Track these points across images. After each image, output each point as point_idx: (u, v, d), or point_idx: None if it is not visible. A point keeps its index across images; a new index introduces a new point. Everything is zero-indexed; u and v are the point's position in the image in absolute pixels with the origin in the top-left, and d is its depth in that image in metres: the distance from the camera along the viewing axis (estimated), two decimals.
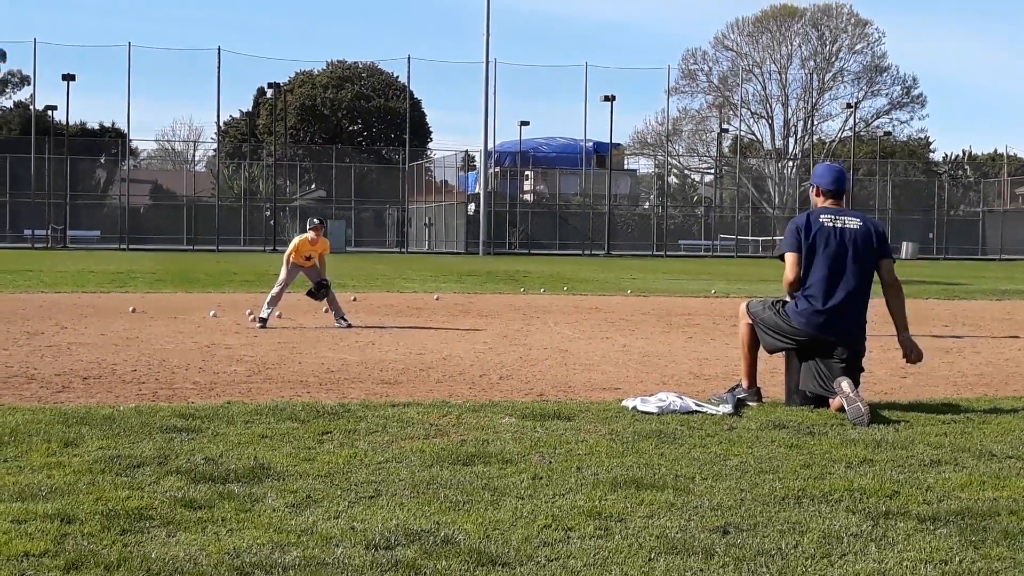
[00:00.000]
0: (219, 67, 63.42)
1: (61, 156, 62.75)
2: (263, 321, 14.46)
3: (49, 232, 60.46)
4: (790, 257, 8.17)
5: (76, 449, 6.21)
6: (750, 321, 8.39)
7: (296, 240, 15.68)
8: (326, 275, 15.45)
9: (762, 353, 8.45)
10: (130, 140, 69.79)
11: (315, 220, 15.68)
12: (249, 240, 65.76)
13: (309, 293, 15.46)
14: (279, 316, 15.45)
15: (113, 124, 75.79)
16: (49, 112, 63.62)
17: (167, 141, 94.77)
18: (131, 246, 59.49)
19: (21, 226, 62.75)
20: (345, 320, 14.79)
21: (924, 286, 27.71)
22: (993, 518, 5.07)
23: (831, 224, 8.12)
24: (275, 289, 15.02)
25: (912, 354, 8.33)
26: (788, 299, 8.27)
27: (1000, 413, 7.99)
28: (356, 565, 4.26)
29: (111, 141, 72.57)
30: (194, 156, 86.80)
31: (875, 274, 8.23)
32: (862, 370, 8.21)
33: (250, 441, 6.50)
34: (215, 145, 72.90)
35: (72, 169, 63.81)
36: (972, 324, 16.68)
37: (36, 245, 57.98)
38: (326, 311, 15.64)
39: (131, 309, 16.89)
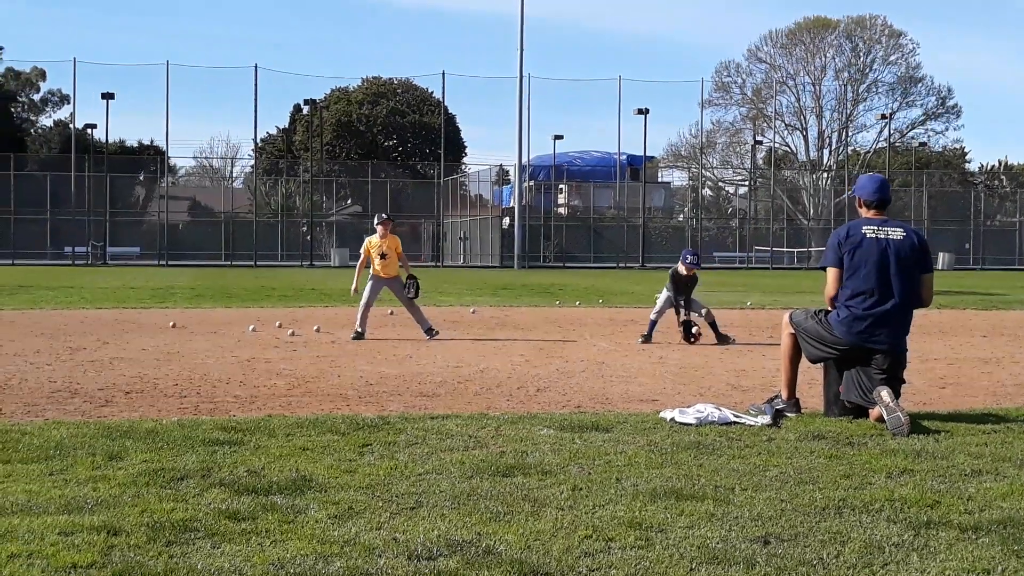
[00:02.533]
0: (256, 84, 63.87)
1: (101, 174, 63.29)
2: (359, 334, 14.73)
3: (89, 249, 60.99)
4: (831, 272, 8.18)
5: (120, 462, 6.28)
6: (793, 331, 8.38)
7: (365, 242, 15.64)
8: (407, 268, 15.40)
9: (801, 364, 8.43)
10: (168, 157, 70.37)
11: (383, 215, 15.68)
12: (286, 256, 66.08)
13: (408, 294, 15.34)
14: (316, 330, 15.56)
15: (152, 141, 76.53)
16: (89, 130, 64.21)
17: (205, 158, 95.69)
18: (170, 262, 59.92)
19: (62, 243, 63.34)
20: (434, 331, 15.03)
21: (961, 296, 27.52)
22: None
23: (873, 235, 8.10)
24: (361, 307, 15.17)
25: None
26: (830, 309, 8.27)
27: None
28: (399, 575, 4.30)
29: (150, 158, 73.15)
30: (231, 172, 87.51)
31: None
32: (903, 381, 8.18)
33: (291, 453, 6.56)
34: (252, 161, 73.34)
35: (111, 186, 64.31)
36: (1010, 334, 16.56)
37: (77, 262, 58.54)
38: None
39: (171, 324, 17.03)
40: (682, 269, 14.92)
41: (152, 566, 4.38)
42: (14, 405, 8.67)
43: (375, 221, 15.59)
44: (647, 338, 14.85)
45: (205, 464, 6.23)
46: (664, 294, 15.22)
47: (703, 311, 14.92)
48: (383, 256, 15.34)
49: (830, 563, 4.52)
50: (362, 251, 15.61)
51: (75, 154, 62.49)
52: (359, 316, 15.08)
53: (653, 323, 15.13)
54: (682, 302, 14.79)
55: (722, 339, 14.60)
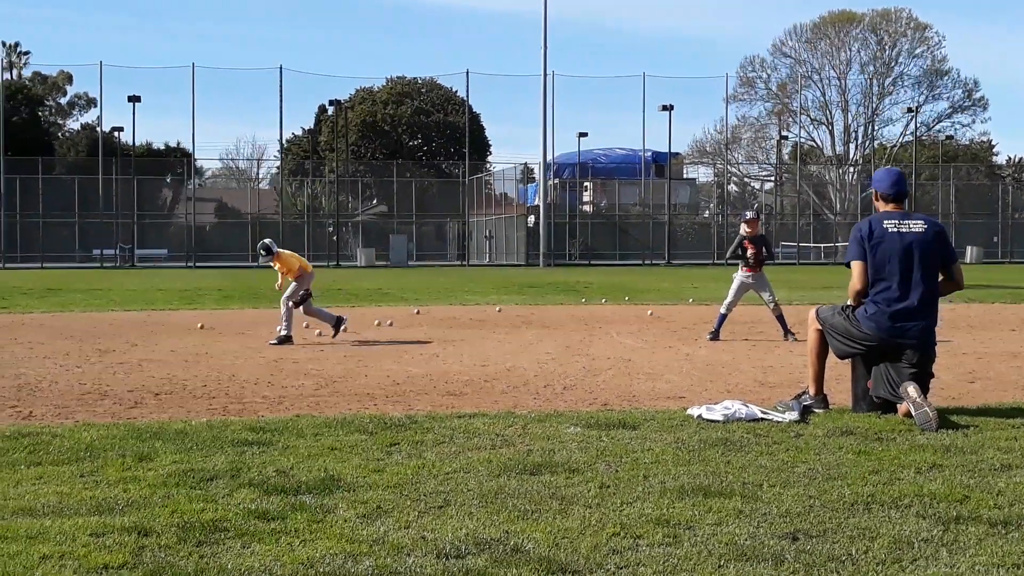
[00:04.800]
0: (281, 85, 64.17)
1: (128, 176, 63.67)
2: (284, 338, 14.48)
3: (117, 251, 61.37)
4: (856, 266, 8.14)
5: (150, 463, 6.33)
6: (820, 327, 8.35)
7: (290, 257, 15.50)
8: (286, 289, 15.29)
9: (828, 360, 8.41)
10: (195, 159, 70.75)
11: (262, 250, 15.36)
12: (313, 256, 65.89)
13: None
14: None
15: (178, 144, 76.95)
16: (116, 133, 64.59)
17: (231, 160, 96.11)
18: (197, 264, 60.26)
19: (90, 246, 63.76)
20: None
21: (990, 290, 27.35)
22: None
23: (895, 229, 8.07)
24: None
25: None
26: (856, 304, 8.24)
27: None
28: (428, 574, 4.32)
29: (176, 161, 73.52)
30: (258, 174, 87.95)
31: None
32: (932, 375, 8.14)
33: (320, 453, 6.59)
34: (278, 163, 73.58)
35: (139, 189, 64.71)
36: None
37: (105, 264, 58.91)
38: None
39: (199, 326, 17.12)
40: (745, 228, 14.97)
41: (183, 566, 4.41)
42: (44, 408, 8.74)
43: (261, 252, 15.33)
44: (715, 335, 14.76)
45: (234, 464, 6.26)
46: (735, 283, 15.13)
47: (772, 304, 14.91)
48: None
49: (859, 559, 4.51)
50: (296, 265, 15.35)
51: (102, 157, 62.91)
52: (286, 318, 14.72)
53: (723, 317, 14.99)
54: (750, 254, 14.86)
55: (788, 333, 14.55)
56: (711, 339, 14.59)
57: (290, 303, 14.74)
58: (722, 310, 15.08)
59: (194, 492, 5.62)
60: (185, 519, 5.07)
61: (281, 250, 15.49)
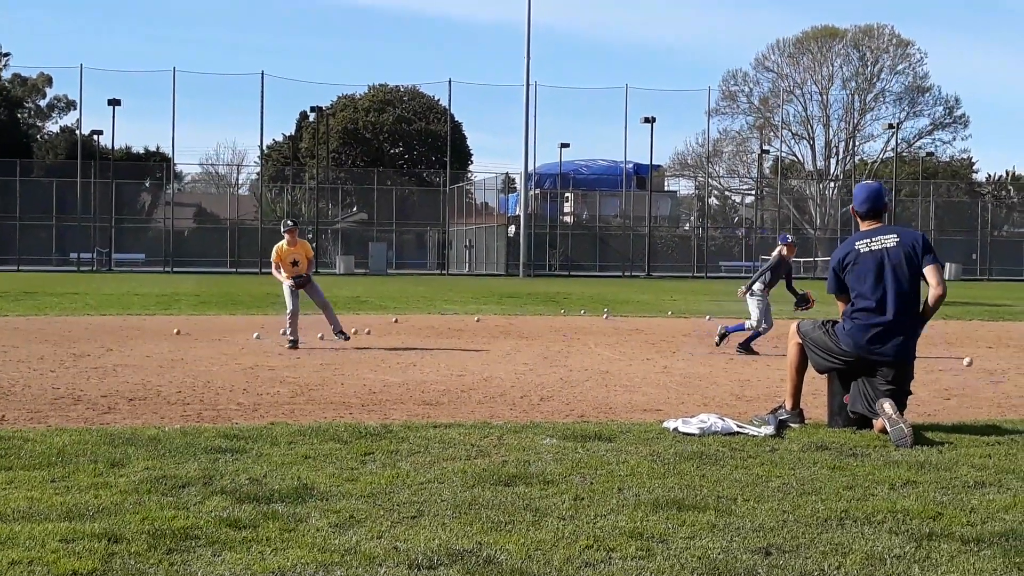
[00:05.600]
0: (262, 91, 64.09)
1: (107, 180, 63.48)
2: (293, 343, 14.65)
3: (95, 255, 61.13)
4: (838, 299, 8.26)
5: (122, 469, 6.28)
6: (800, 341, 8.37)
7: (275, 249, 15.54)
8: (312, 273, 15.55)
9: (806, 374, 8.42)
10: (174, 164, 70.45)
11: (289, 222, 15.58)
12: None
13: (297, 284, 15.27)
14: (320, 337, 15.61)
15: (158, 148, 76.69)
16: (95, 137, 64.34)
17: (211, 165, 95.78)
18: (175, 269, 60.06)
19: (67, 249, 63.50)
20: (344, 334, 14.96)
21: (968, 307, 27.48)
22: None
23: (867, 248, 8.08)
24: (288, 314, 15.08)
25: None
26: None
27: None
28: None
29: (156, 165, 73.33)
30: (237, 179, 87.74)
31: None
32: (909, 392, 8.15)
33: (294, 461, 6.56)
34: (258, 168, 73.58)
35: (117, 193, 64.53)
36: (1017, 346, 16.52)
37: (82, 268, 58.66)
38: (321, 337, 15.69)
39: (175, 331, 17.04)
40: (785, 251, 15.11)
41: (152, 573, 4.37)
42: (17, 412, 8.67)
43: (282, 229, 15.50)
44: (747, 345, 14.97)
45: (207, 472, 6.23)
46: (755, 303, 15.14)
47: (765, 329, 15.06)
48: (295, 263, 15.36)
49: (831, 574, 4.51)
50: (272, 259, 15.52)
51: (81, 160, 62.66)
52: (290, 326, 14.91)
53: (757, 333, 15.09)
54: (771, 281, 15.07)
55: (750, 351, 14.77)
56: (743, 352, 14.80)
57: (292, 287, 14.94)
58: (758, 328, 15.10)
59: (166, 499, 5.58)
60: (156, 526, 5.03)
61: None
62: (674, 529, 5.15)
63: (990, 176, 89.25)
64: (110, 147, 64.55)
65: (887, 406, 7.63)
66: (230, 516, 5.24)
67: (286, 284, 15.26)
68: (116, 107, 60.31)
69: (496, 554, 4.70)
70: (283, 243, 15.41)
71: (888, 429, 7.52)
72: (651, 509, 5.51)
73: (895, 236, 8.16)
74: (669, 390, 10.73)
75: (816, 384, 9.03)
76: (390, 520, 5.24)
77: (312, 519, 5.24)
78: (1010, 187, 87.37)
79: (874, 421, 7.84)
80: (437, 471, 6.36)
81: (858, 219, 8.34)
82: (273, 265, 15.57)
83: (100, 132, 63.33)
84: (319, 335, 15.76)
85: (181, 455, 6.70)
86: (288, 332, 14.87)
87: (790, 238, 15.59)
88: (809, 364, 8.36)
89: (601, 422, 8.40)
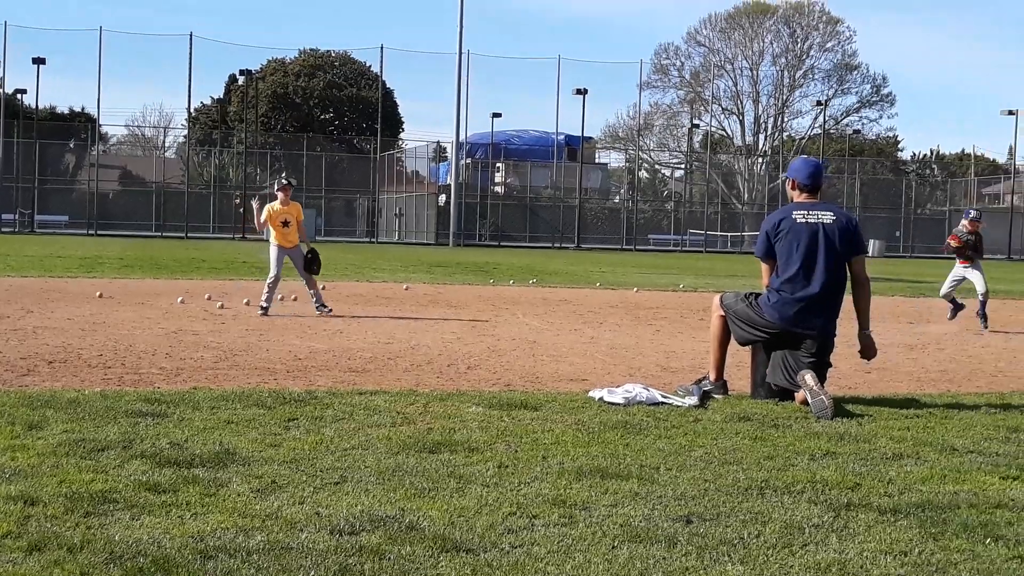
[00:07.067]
0: (191, 53, 63.15)
1: (30, 140, 62.31)
2: (264, 309, 14.36)
3: (17, 216, 60.03)
4: (763, 266, 8.30)
5: (40, 432, 6.18)
6: (723, 313, 8.43)
7: (266, 209, 15.20)
8: (307, 241, 15.20)
9: (730, 347, 8.49)
10: (100, 125, 69.37)
11: (283, 179, 15.33)
12: (218, 228, 65.45)
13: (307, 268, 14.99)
14: (246, 303, 15.47)
15: (83, 109, 75.33)
16: (19, 96, 63.07)
17: (137, 127, 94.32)
18: (99, 231, 59.18)
19: None
20: (326, 307, 14.74)
21: (890, 283, 27.89)
22: (953, 511, 5.12)
23: (804, 219, 8.16)
24: (269, 279, 14.75)
25: (868, 352, 8.44)
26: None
27: (962, 409, 8.06)
28: (320, 550, 4.27)
29: (81, 126, 72.09)
30: (164, 142, 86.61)
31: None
32: (829, 365, 8.26)
33: (216, 426, 6.49)
34: (185, 131, 72.49)
35: (41, 153, 63.38)
36: (937, 321, 16.80)
37: (3, 229, 57.52)
38: (247, 302, 15.49)
39: (98, 294, 16.80)
40: (968, 226, 15.60)
41: (69, 537, 4.30)
42: None
43: (275, 187, 15.22)
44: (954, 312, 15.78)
45: (127, 435, 6.14)
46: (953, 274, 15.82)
47: (982, 293, 15.69)
48: (285, 224, 14.98)
49: (750, 542, 4.55)
50: (263, 218, 15.15)
51: (4, 119, 61.37)
52: (267, 291, 14.55)
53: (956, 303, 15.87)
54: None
55: (985, 320, 15.46)
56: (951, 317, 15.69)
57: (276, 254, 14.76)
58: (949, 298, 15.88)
59: (84, 462, 5.50)
60: (73, 489, 4.96)
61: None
62: (597, 497, 5.17)
63: (915, 155, 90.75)
64: (34, 107, 63.29)
65: (808, 377, 7.72)
66: (150, 480, 5.18)
67: (273, 249, 14.94)
68: (41, 66, 59.17)
69: (419, 520, 4.69)
70: (275, 203, 15.10)
71: (809, 401, 7.61)
72: (574, 477, 5.53)
73: (831, 214, 8.27)
74: (595, 360, 10.78)
75: (740, 356, 9.11)
76: (312, 486, 5.21)
77: (233, 484, 5.19)
78: (934, 166, 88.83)
79: (795, 393, 7.93)
80: (361, 438, 6.33)
81: (795, 192, 8.39)
82: (257, 221, 15.17)
83: (24, 91, 62.21)
84: (244, 300, 15.60)
85: (101, 418, 6.60)
86: (263, 299, 14.51)
87: (972, 212, 16.09)
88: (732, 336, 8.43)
89: (527, 391, 8.41)
